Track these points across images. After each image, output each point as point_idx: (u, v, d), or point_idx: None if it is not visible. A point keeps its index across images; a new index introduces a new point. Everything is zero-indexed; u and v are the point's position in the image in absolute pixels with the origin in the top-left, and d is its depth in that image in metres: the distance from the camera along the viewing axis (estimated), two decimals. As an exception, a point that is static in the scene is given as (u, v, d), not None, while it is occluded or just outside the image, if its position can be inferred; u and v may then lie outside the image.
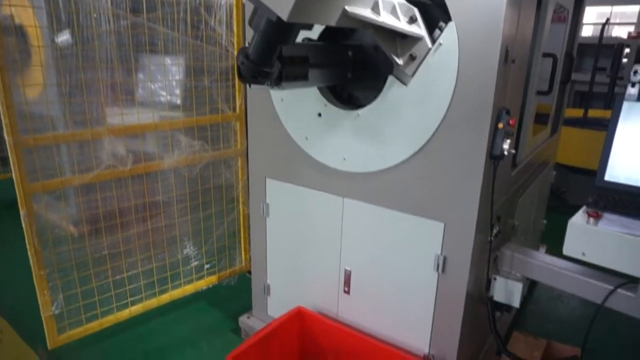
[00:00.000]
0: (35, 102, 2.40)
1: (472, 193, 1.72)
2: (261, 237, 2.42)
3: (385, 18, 1.54)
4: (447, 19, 1.64)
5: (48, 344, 2.43)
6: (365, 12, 1.47)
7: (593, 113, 5.53)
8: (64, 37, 2.49)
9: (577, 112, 5.60)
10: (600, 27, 6.00)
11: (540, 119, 2.56)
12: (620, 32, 9.63)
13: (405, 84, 1.75)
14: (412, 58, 1.69)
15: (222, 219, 2.96)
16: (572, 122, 4.85)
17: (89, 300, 2.51)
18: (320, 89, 2.00)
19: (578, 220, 1.61)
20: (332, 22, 1.39)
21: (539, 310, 3.06)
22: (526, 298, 3.12)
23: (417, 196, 1.85)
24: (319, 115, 2.01)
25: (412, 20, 1.63)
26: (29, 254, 2.22)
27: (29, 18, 2.48)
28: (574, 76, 3.18)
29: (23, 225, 2.17)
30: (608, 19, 6.18)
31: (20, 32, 2.70)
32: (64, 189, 2.42)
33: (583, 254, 1.59)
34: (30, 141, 2.15)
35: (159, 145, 2.70)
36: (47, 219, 2.37)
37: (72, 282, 2.44)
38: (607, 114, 4.74)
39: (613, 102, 1.84)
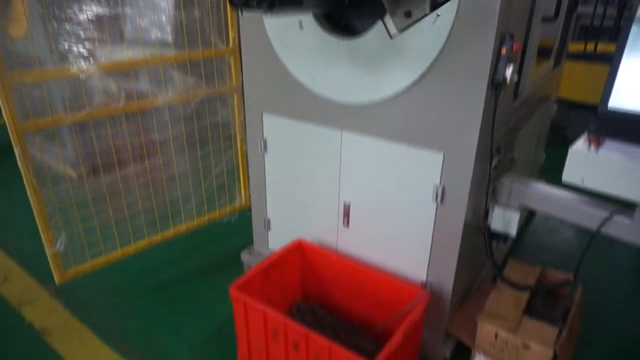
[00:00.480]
0: (21, 40, 2.31)
1: (473, 122, 1.69)
2: (260, 173, 2.42)
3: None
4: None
5: (56, 280, 2.49)
6: None
7: (599, 47, 5.37)
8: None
9: (581, 47, 5.44)
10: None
11: (544, 53, 2.47)
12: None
13: (390, 36, 1.60)
14: (408, 15, 1.53)
15: (220, 157, 2.95)
16: (576, 56, 4.72)
17: (92, 237, 2.55)
18: (316, 16, 1.91)
19: (579, 146, 1.60)
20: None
21: (535, 241, 3.13)
22: (522, 230, 3.19)
23: (416, 126, 1.83)
24: (316, 44, 1.93)
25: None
26: (28, 193, 2.23)
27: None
28: (579, 9, 3.05)
29: (19, 164, 2.15)
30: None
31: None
32: (59, 130, 2.39)
33: (582, 180, 1.58)
34: (16, 76, 2.08)
35: (151, 82, 2.63)
36: (44, 162, 2.36)
37: (73, 220, 2.47)
38: (612, 47, 4.60)
39: (619, 35, 1.77)
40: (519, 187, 1.97)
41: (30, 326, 2.32)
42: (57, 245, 2.40)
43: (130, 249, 2.71)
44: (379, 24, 1.75)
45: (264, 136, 2.31)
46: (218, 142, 2.92)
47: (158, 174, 2.75)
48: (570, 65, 4.10)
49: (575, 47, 5.29)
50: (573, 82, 4.39)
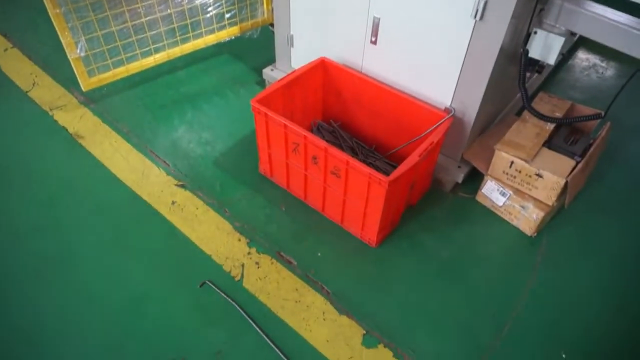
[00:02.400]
0: None
1: None
2: (284, -18, 2.21)
3: None
4: None
5: (82, 86, 2.53)
6: None
7: None
8: None
9: None
10: None
11: None
12: None
13: None
14: None
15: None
16: None
17: (112, 45, 2.49)
18: None
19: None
20: None
21: (570, 79, 2.97)
22: (558, 66, 3.00)
23: None
24: None
25: None
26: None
27: None
28: None
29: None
30: None
31: None
32: None
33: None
34: None
35: None
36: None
37: (91, 24, 2.38)
38: None
39: None
40: (572, 7, 1.75)
41: (65, 130, 2.44)
42: (78, 50, 2.37)
43: (150, 60, 2.67)
44: None
45: None
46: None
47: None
48: None
49: None
50: None
